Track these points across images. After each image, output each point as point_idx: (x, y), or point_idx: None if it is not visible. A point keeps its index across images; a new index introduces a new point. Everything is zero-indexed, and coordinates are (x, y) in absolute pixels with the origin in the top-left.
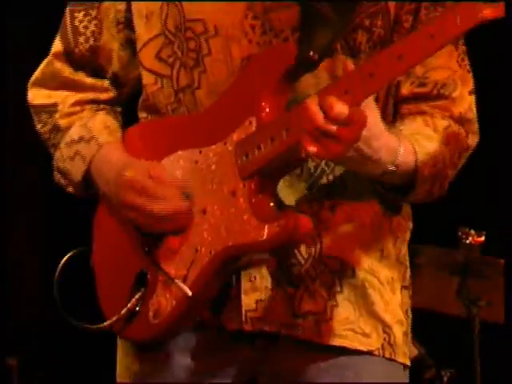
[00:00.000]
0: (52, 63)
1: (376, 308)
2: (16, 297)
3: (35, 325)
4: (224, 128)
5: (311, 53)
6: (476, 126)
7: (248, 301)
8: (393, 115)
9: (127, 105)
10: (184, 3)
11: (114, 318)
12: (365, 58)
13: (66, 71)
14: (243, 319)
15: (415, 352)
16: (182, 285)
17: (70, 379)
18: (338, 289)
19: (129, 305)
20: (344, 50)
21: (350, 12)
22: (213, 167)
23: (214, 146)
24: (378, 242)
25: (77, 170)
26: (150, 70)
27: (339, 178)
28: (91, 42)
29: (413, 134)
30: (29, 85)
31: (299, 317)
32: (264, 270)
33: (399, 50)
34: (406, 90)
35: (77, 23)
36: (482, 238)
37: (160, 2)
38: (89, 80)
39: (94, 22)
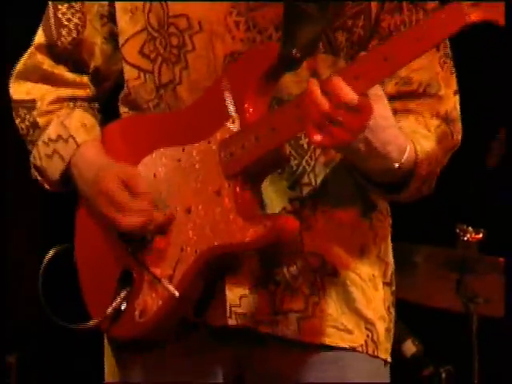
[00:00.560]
0: (34, 55)
1: (358, 305)
2: (15, 296)
3: (34, 325)
4: (207, 126)
5: (294, 51)
6: (459, 126)
7: (232, 296)
8: None
9: (107, 99)
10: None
11: (100, 318)
12: (343, 56)
13: (46, 63)
14: (228, 314)
15: (413, 349)
16: (168, 285)
17: (69, 378)
18: (320, 286)
19: (114, 304)
20: (325, 48)
21: (335, 12)
22: (196, 166)
23: (197, 145)
24: (358, 239)
25: (55, 169)
26: (132, 65)
27: (320, 177)
28: (74, 34)
29: (412, 133)
30: (11, 78)
31: (279, 314)
32: (247, 267)
33: (385, 51)
34: (390, 88)
35: (60, 15)
36: (480, 236)
37: None
38: (69, 75)
39: (78, 14)
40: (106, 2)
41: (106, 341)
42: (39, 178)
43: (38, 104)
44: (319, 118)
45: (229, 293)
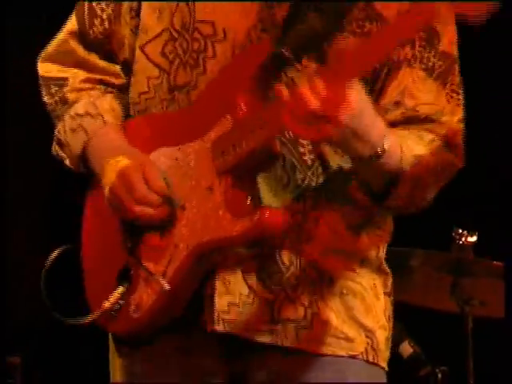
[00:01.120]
0: (67, 41)
1: (355, 313)
2: (16, 297)
3: (35, 325)
4: (203, 125)
5: (284, 50)
6: (462, 152)
7: (220, 302)
8: None
9: None
10: (197, 3)
11: (97, 313)
12: None
13: (80, 51)
14: (215, 319)
15: (410, 350)
16: (160, 279)
17: (73, 378)
18: (319, 296)
19: (111, 299)
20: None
21: (338, 18)
22: (191, 164)
23: (192, 143)
24: (359, 251)
25: (77, 142)
26: (154, 63)
27: (324, 190)
28: (106, 25)
29: (401, 137)
30: (40, 59)
31: (278, 323)
32: (239, 275)
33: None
34: (394, 117)
35: (94, 4)
36: (474, 239)
37: None
38: (101, 62)
39: (112, 5)
40: None
41: (110, 337)
42: (61, 152)
43: (71, 81)
44: (306, 116)
45: (218, 299)
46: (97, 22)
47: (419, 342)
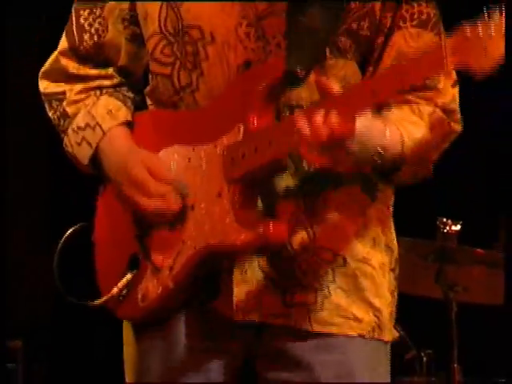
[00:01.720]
0: (58, 60)
1: (367, 294)
2: (16, 297)
3: (34, 325)
4: (217, 130)
5: (298, 69)
6: (458, 116)
7: (239, 292)
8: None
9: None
10: (181, 9)
11: (105, 298)
12: (351, 57)
13: (71, 67)
14: (234, 309)
15: (396, 335)
16: (165, 276)
17: (67, 378)
18: (331, 278)
19: (119, 285)
20: (333, 53)
21: (338, 18)
22: (203, 166)
23: (205, 147)
24: (369, 231)
25: (84, 156)
26: (159, 62)
27: (332, 173)
28: (95, 39)
29: (399, 120)
30: (40, 75)
31: (290, 307)
32: (255, 264)
33: (373, 85)
34: None
35: (82, 21)
36: (458, 227)
37: (159, 4)
38: (93, 71)
39: (99, 20)
40: (127, 7)
41: (124, 322)
42: (73, 162)
43: (68, 94)
44: (317, 144)
45: (236, 289)
46: (86, 37)
47: (405, 326)
